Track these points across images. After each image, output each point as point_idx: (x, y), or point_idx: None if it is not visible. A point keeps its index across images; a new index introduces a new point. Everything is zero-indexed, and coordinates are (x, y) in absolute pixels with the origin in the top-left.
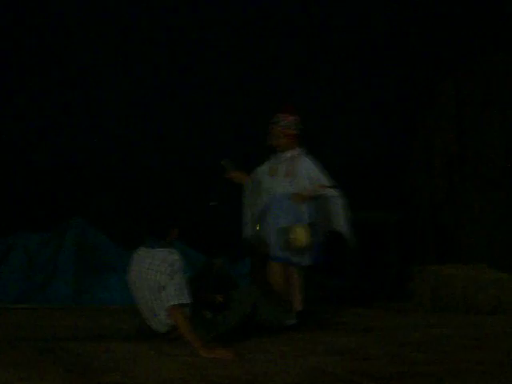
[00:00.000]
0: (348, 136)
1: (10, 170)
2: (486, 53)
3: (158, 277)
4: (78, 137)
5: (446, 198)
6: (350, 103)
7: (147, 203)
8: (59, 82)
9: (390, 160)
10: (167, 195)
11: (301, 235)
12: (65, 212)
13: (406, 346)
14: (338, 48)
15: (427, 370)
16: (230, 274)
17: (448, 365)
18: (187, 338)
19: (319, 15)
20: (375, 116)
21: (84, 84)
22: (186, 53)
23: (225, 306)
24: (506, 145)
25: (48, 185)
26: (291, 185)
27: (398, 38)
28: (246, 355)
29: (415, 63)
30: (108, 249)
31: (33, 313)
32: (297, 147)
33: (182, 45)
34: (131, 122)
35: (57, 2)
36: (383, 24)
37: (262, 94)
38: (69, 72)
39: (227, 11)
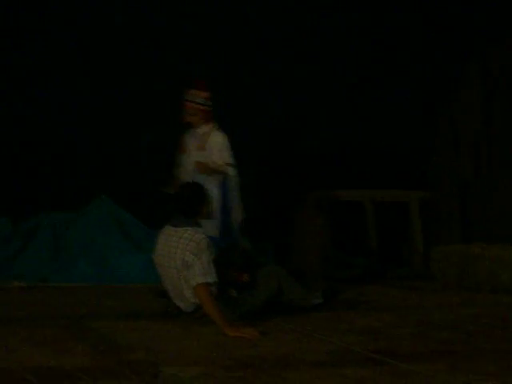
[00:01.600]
0: (373, 114)
1: (35, 148)
2: None
3: (184, 255)
4: (108, 116)
5: (472, 177)
6: (376, 82)
7: (175, 182)
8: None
9: (416, 138)
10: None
11: None
12: (91, 191)
13: (431, 325)
14: (363, 27)
15: (452, 349)
16: (254, 253)
17: (473, 344)
18: (213, 317)
19: None
20: (401, 94)
21: None
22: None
23: (250, 285)
24: None
25: (74, 163)
26: (203, 159)
27: (427, 13)
28: (272, 334)
29: (442, 41)
30: (134, 227)
31: (59, 291)
32: (210, 123)
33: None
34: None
35: None
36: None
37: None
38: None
39: None
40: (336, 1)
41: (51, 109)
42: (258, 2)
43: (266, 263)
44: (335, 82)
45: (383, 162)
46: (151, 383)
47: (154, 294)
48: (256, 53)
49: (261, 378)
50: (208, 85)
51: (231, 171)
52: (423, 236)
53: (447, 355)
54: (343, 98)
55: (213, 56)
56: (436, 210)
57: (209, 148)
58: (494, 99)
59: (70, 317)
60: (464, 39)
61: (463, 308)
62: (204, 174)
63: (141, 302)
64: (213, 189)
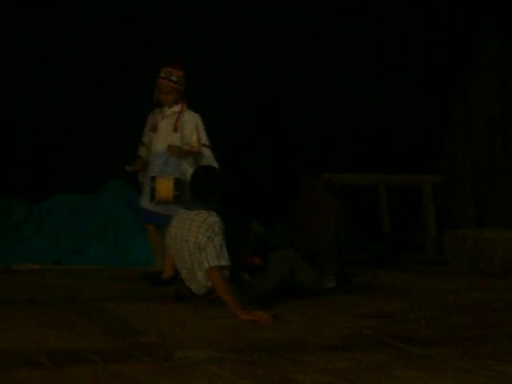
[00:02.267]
0: (387, 99)
1: (50, 131)
2: None
3: (197, 239)
4: (119, 97)
5: (487, 162)
6: (390, 66)
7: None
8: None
9: (430, 122)
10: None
11: (163, 187)
12: (104, 174)
13: (445, 309)
14: (380, 9)
15: (466, 334)
16: (268, 237)
17: (487, 329)
18: (226, 300)
19: None
20: (415, 78)
21: None
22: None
23: (263, 268)
24: None
25: (87, 146)
26: (176, 140)
27: None
28: (284, 318)
29: (459, 25)
30: None
31: (72, 274)
32: (180, 102)
33: None
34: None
35: None
36: None
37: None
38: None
39: None
40: None
41: (64, 90)
42: None
43: (279, 246)
44: (348, 65)
45: (396, 145)
46: (163, 366)
47: (141, 277)
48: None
49: (273, 361)
50: (183, 63)
51: (207, 152)
52: (436, 220)
53: (460, 340)
54: (357, 80)
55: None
56: (449, 194)
57: (181, 129)
58: (509, 85)
59: (83, 299)
60: (480, 24)
61: (476, 292)
62: (176, 156)
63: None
64: (188, 168)
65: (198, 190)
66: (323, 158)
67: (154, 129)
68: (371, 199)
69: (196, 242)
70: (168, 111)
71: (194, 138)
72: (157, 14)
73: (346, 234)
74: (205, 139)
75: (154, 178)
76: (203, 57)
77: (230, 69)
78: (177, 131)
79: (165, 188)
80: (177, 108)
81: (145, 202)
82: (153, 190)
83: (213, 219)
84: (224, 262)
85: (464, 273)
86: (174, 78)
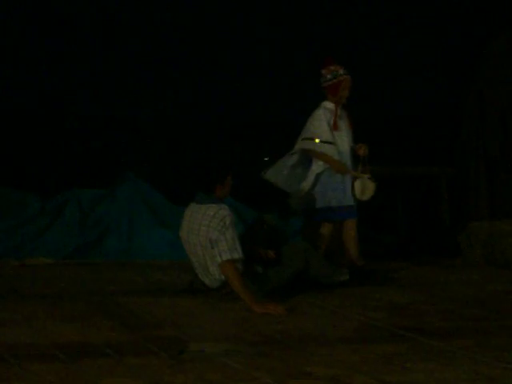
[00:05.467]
0: (400, 91)
1: (64, 126)
2: None
3: (209, 233)
4: (134, 94)
5: (500, 153)
6: (401, 59)
7: (197, 159)
8: None
9: (443, 114)
10: (221, 151)
11: (370, 185)
12: (118, 168)
13: (458, 302)
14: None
15: (479, 326)
16: (281, 230)
17: (500, 321)
18: (240, 293)
19: None
20: (428, 70)
21: None
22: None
23: (276, 261)
24: None
25: (102, 141)
26: (352, 137)
27: None
28: (298, 311)
29: (470, 15)
30: (160, 204)
31: (86, 268)
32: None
33: None
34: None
35: None
36: None
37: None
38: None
39: None
40: None
41: (81, 86)
42: None
43: (292, 239)
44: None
45: (414, 138)
46: (178, 359)
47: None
48: None
49: (287, 353)
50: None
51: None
52: (450, 213)
53: (474, 332)
54: (370, 70)
55: None
56: (463, 186)
57: (352, 127)
58: None
59: (97, 293)
60: (493, 14)
61: (490, 285)
62: (362, 154)
63: (167, 277)
64: None
65: (201, 185)
66: None
67: (336, 128)
68: (386, 191)
69: (207, 236)
70: (339, 109)
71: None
72: None
73: (360, 227)
74: None
75: (367, 178)
76: None
77: None
78: (350, 129)
79: (371, 186)
80: (341, 106)
81: (346, 200)
82: (360, 188)
83: (223, 212)
84: (237, 255)
85: (478, 265)
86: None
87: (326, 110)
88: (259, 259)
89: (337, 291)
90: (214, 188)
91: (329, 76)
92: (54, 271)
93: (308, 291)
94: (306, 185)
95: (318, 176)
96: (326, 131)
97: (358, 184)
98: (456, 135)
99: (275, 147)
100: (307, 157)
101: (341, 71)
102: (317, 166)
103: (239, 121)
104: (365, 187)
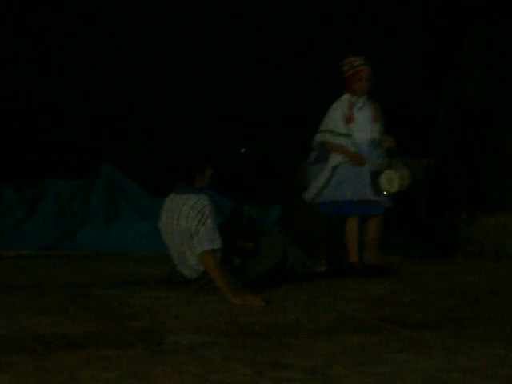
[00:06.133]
0: (378, 83)
1: (39, 118)
2: None
3: (188, 223)
4: (111, 85)
5: (478, 144)
6: (380, 51)
7: (175, 150)
8: None
9: (421, 106)
10: (198, 143)
11: (392, 178)
12: (94, 159)
13: (436, 293)
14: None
15: (456, 316)
16: (259, 221)
17: (477, 312)
18: (218, 284)
19: None
20: (405, 64)
21: None
22: None
23: (254, 252)
24: None
25: (78, 132)
26: (378, 130)
27: None
28: (276, 302)
29: (446, 7)
30: (138, 195)
31: (63, 259)
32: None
33: None
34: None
35: None
36: None
37: None
38: None
39: None
40: None
41: (57, 78)
42: None
43: (270, 230)
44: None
45: (392, 130)
46: (155, 351)
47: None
48: None
49: (264, 345)
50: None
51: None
52: (428, 204)
53: (451, 322)
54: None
55: None
56: (441, 177)
57: (379, 118)
58: (499, 68)
59: (74, 284)
60: (469, 5)
61: (468, 275)
62: (387, 147)
63: (145, 269)
64: (384, 158)
65: (180, 175)
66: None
67: (351, 120)
68: None
69: (186, 226)
70: (360, 101)
71: (382, 128)
72: None
73: (338, 218)
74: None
75: (392, 170)
76: None
77: None
78: (376, 121)
79: (392, 179)
80: (365, 97)
81: (364, 193)
82: (380, 182)
83: (203, 202)
84: (217, 245)
85: (456, 256)
86: (368, 65)
87: (343, 102)
88: (238, 250)
89: (315, 282)
90: (194, 177)
91: (345, 67)
92: (31, 263)
93: (286, 283)
94: (323, 178)
95: (334, 169)
96: (339, 123)
97: (382, 177)
98: (434, 126)
99: (251, 139)
100: (326, 150)
101: (357, 62)
102: (333, 159)
103: (218, 113)
104: (391, 179)
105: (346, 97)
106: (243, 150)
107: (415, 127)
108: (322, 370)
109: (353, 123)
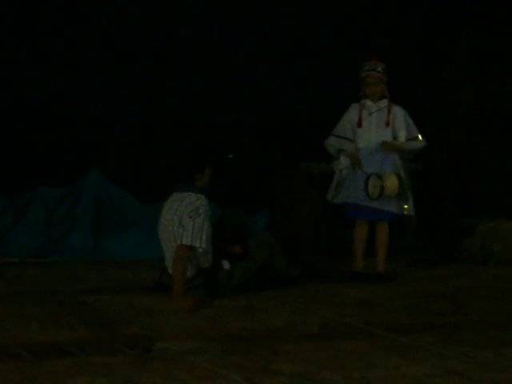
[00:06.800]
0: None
1: (28, 124)
2: (506, 3)
3: (181, 216)
4: (99, 88)
5: (465, 150)
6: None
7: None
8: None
9: (408, 110)
10: (185, 148)
11: (391, 183)
12: (82, 166)
13: (424, 297)
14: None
15: (444, 321)
16: (247, 225)
17: (465, 316)
18: (175, 280)
19: None
20: (392, 67)
21: None
22: None
23: (243, 256)
24: None
25: (66, 139)
26: (390, 134)
27: None
28: (264, 307)
29: (432, 14)
30: (126, 202)
31: (51, 267)
32: (388, 96)
33: None
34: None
35: None
36: None
37: None
38: None
39: None
40: None
41: (47, 84)
42: None
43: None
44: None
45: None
46: (144, 357)
47: None
48: None
49: (254, 351)
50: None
51: (420, 144)
52: (416, 208)
53: (440, 327)
54: (339, 68)
55: None
56: (429, 182)
57: (392, 123)
58: (486, 73)
59: (62, 292)
60: (455, 11)
61: (455, 280)
62: (389, 152)
63: (133, 276)
64: (399, 162)
65: (180, 174)
66: (302, 147)
67: (360, 124)
68: None
69: (180, 221)
70: (374, 106)
71: (402, 133)
72: None
73: (324, 223)
74: (417, 131)
75: (375, 175)
76: None
77: None
78: (388, 126)
79: (392, 184)
80: (383, 102)
81: (360, 198)
82: (378, 188)
83: (200, 202)
84: (197, 244)
85: (443, 260)
86: (380, 69)
87: (356, 106)
88: (226, 255)
89: (302, 287)
90: (194, 177)
91: (361, 71)
92: (19, 270)
93: (275, 287)
94: (334, 180)
95: (341, 172)
96: (344, 127)
97: (368, 182)
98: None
99: (239, 145)
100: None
101: (366, 67)
102: (340, 162)
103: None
104: (375, 185)
105: (362, 101)
106: (230, 155)
107: None
108: (311, 375)
109: (361, 128)
